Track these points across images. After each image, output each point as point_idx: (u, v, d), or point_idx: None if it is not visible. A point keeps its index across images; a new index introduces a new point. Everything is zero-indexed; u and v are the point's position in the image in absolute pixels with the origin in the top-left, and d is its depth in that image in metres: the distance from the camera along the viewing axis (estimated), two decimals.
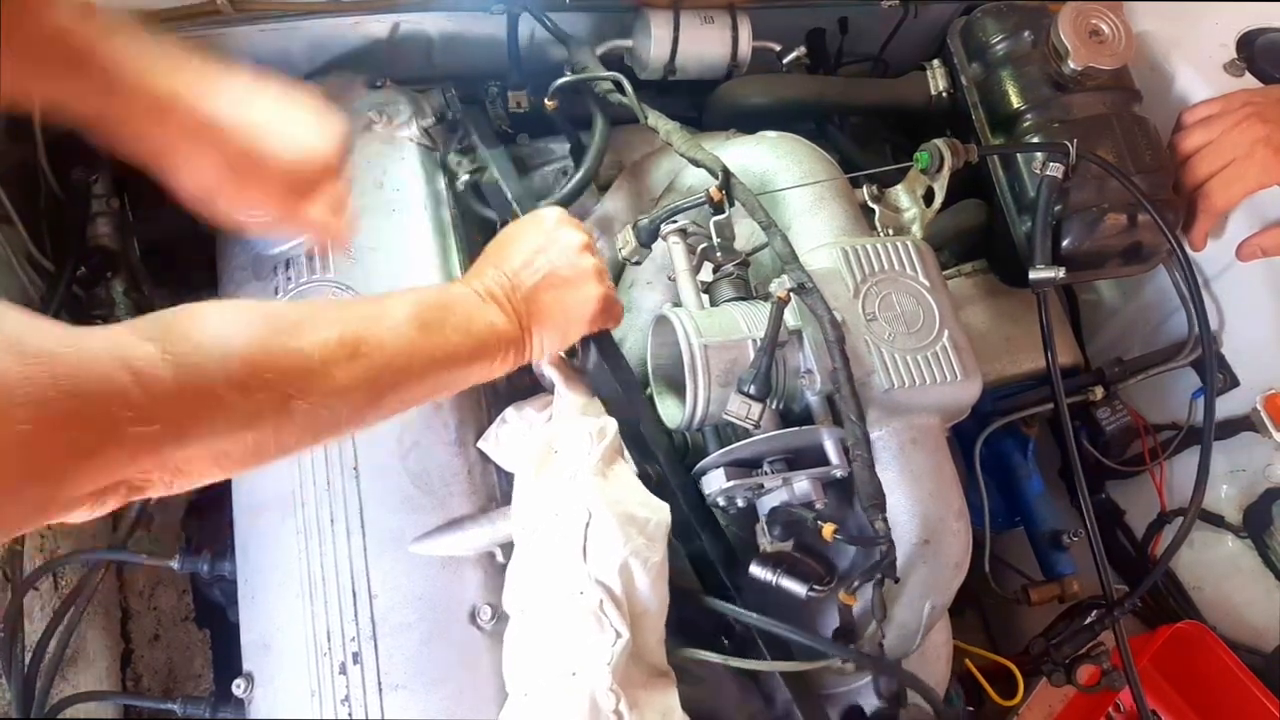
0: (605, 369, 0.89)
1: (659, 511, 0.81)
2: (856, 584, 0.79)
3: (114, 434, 0.53)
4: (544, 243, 0.87)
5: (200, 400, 0.58)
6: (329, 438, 0.72)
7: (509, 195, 0.99)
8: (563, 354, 0.91)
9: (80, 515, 0.58)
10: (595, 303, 0.87)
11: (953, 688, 1.02)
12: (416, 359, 0.74)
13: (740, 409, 0.80)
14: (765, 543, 0.82)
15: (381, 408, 0.73)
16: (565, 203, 1.09)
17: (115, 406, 0.53)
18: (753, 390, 0.80)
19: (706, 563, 0.84)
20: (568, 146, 1.23)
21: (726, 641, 0.87)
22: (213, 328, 0.61)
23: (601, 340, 0.90)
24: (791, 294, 0.85)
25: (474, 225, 1.14)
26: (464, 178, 1.08)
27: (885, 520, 0.79)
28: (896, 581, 0.83)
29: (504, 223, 0.98)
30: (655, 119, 1.04)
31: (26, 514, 0.54)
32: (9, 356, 0.49)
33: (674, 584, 0.81)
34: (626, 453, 0.87)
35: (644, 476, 0.84)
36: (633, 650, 0.75)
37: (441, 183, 1.09)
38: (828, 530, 0.77)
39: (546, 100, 1.08)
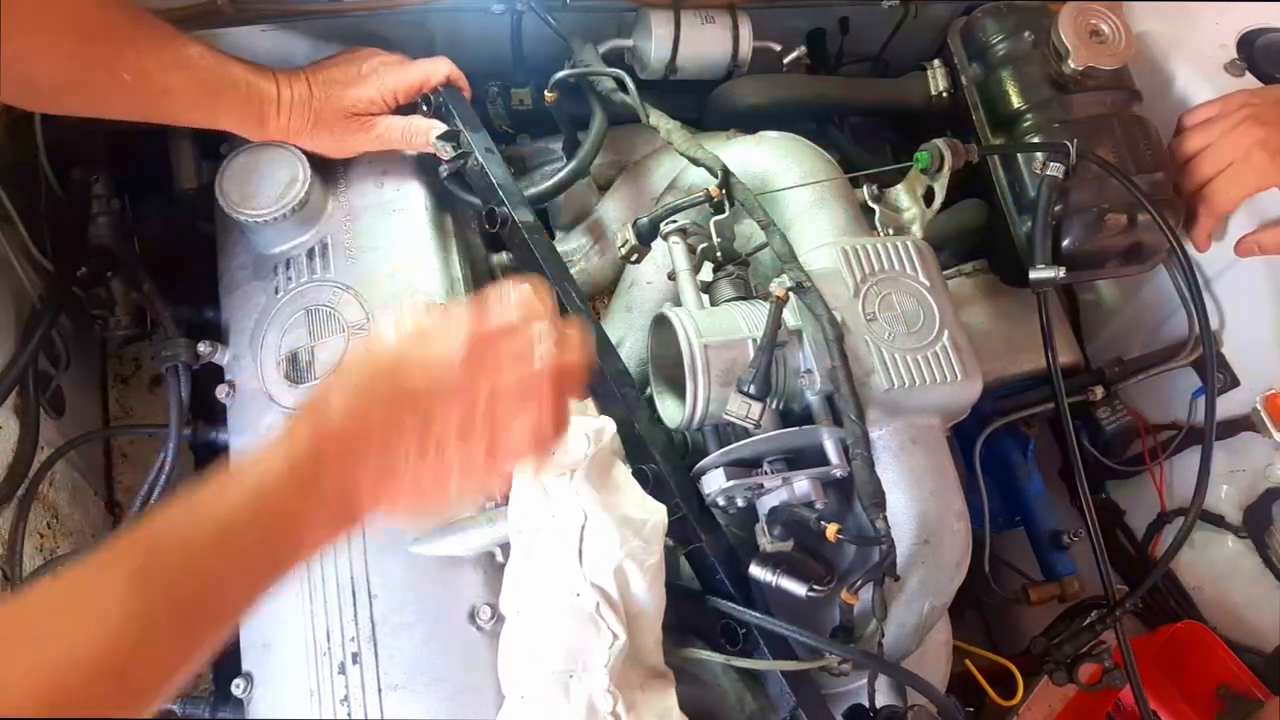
0: (602, 368, 0.88)
1: (655, 513, 0.79)
2: (858, 583, 0.79)
3: None
4: (420, 373, 0.60)
5: None
6: None
7: (493, 180, 0.97)
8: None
9: None
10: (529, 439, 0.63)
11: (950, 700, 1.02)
12: (166, 654, 0.53)
13: (740, 409, 0.80)
14: (765, 542, 0.82)
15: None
16: (554, 192, 1.09)
17: None
18: (752, 390, 0.80)
19: (706, 563, 0.84)
20: None
21: (728, 644, 0.86)
22: None
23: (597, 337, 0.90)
24: (790, 293, 0.85)
25: (474, 223, 1.14)
26: (443, 168, 1.02)
27: (886, 519, 0.79)
28: (897, 580, 0.83)
29: (490, 212, 0.97)
30: (656, 118, 1.04)
31: None
32: None
33: (674, 584, 0.81)
34: (623, 453, 0.87)
35: (642, 476, 0.84)
36: (630, 652, 0.75)
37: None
38: (831, 530, 0.77)
39: (546, 92, 1.08)
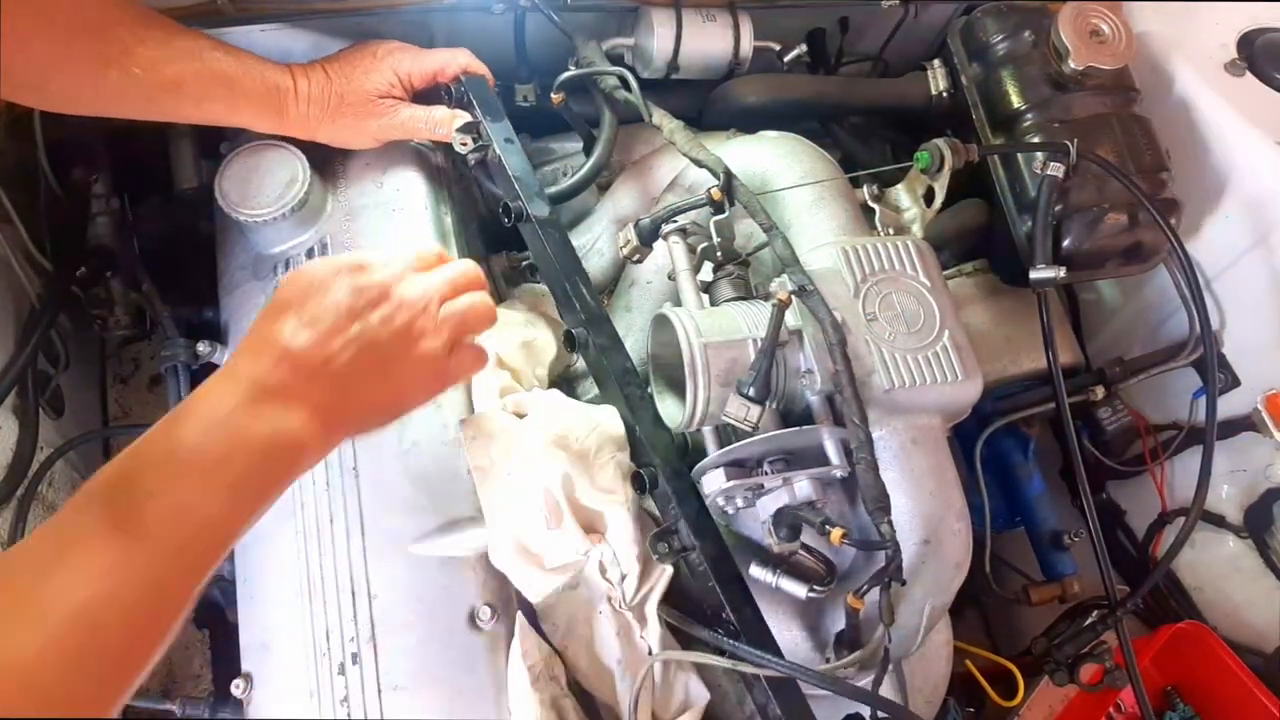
0: (604, 362, 0.88)
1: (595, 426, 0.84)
2: (865, 588, 0.79)
3: None
4: (353, 302, 0.66)
5: None
6: None
7: (509, 171, 0.96)
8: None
9: None
10: (427, 373, 0.70)
11: (950, 702, 1.02)
12: (172, 588, 0.56)
13: (739, 411, 0.80)
14: (772, 543, 0.82)
15: (145, 668, 0.55)
16: (575, 191, 1.08)
17: None
18: (751, 393, 0.80)
19: (698, 569, 0.82)
20: (568, 145, 1.23)
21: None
22: None
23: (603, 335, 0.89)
24: (793, 296, 0.85)
25: (473, 225, 1.14)
26: (469, 156, 1.00)
27: (890, 524, 0.79)
28: (903, 584, 0.83)
29: (504, 207, 0.96)
30: (660, 117, 1.03)
31: None
32: None
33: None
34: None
35: (641, 477, 0.84)
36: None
37: (442, 184, 1.09)
38: (836, 535, 0.77)
39: (552, 94, 1.08)
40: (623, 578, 0.83)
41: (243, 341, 0.65)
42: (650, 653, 0.84)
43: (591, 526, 0.85)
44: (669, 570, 0.84)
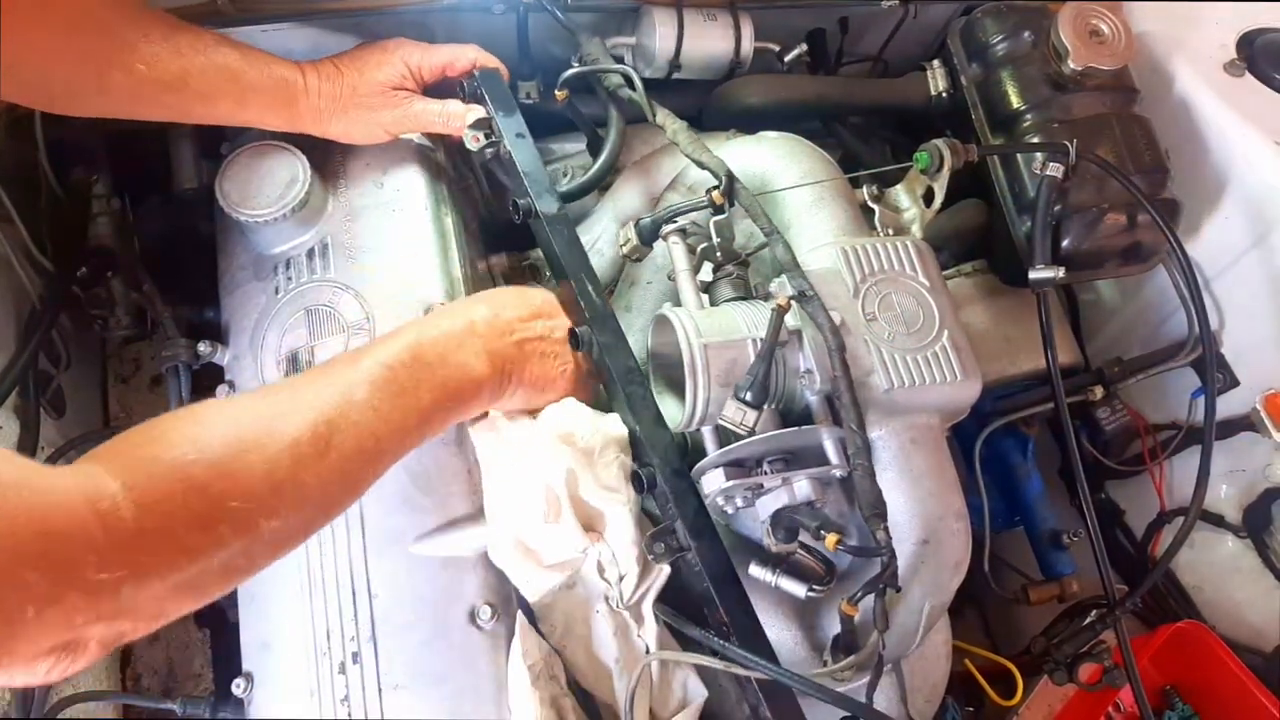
0: (606, 361, 0.88)
1: (599, 428, 0.87)
2: (859, 595, 0.79)
3: (74, 579, 0.51)
4: (547, 310, 0.89)
5: (162, 542, 0.55)
6: (304, 539, 0.69)
7: (519, 167, 0.96)
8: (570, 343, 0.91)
9: (30, 675, 0.53)
10: (572, 374, 0.89)
11: (949, 702, 1.02)
12: (388, 435, 0.71)
13: (735, 415, 0.80)
14: (770, 544, 0.82)
15: (355, 493, 0.72)
16: (586, 189, 1.08)
17: (79, 550, 0.51)
18: (749, 397, 0.79)
19: (694, 570, 0.82)
20: (568, 146, 1.23)
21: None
22: (175, 453, 0.58)
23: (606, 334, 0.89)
24: (792, 301, 0.85)
25: (474, 225, 1.15)
26: (484, 151, 1.01)
27: (886, 530, 0.79)
28: (899, 591, 0.83)
29: (513, 203, 0.96)
30: (663, 116, 1.03)
31: None
32: None
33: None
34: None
35: (640, 477, 0.84)
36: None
37: (443, 184, 1.09)
38: (831, 540, 0.77)
39: (556, 91, 1.08)
40: (621, 578, 0.83)
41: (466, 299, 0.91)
42: (648, 651, 0.84)
43: (591, 525, 0.85)
44: (666, 570, 0.84)
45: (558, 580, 0.85)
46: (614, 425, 0.87)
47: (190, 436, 0.60)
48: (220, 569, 0.59)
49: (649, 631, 0.84)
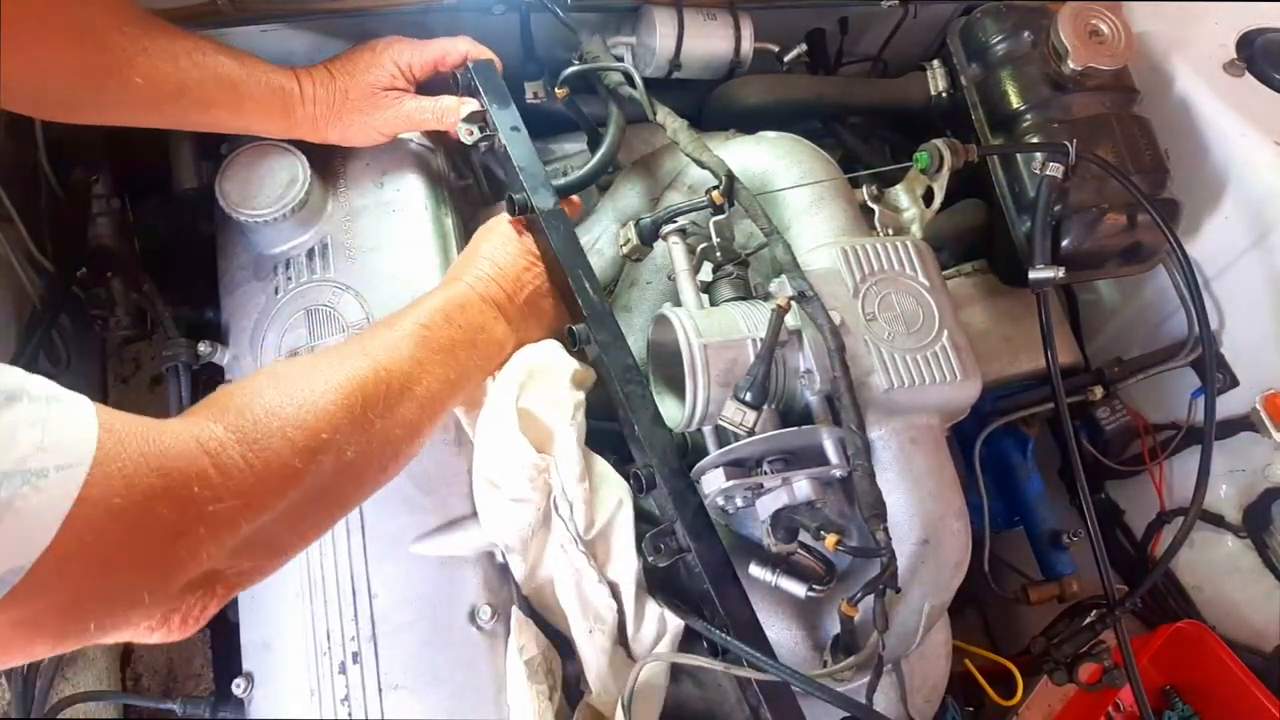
0: (605, 359, 0.88)
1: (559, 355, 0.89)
2: (859, 595, 0.79)
3: (196, 512, 0.56)
4: (531, 248, 0.92)
5: (268, 471, 0.62)
6: (376, 487, 0.76)
7: (513, 160, 0.95)
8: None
9: (173, 613, 0.61)
10: (553, 310, 0.94)
11: (949, 702, 1.02)
12: (438, 390, 0.78)
13: (735, 415, 0.80)
14: (770, 544, 0.82)
15: (415, 445, 0.77)
16: (583, 184, 1.07)
17: (195, 485, 0.57)
18: (749, 397, 0.79)
19: (694, 571, 0.82)
20: (568, 146, 1.23)
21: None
22: (267, 399, 0.66)
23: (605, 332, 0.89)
24: (792, 301, 0.85)
25: (473, 224, 1.14)
26: (478, 144, 1.00)
27: (886, 531, 0.79)
28: (898, 591, 0.83)
29: (509, 199, 0.95)
30: (664, 115, 1.03)
31: (120, 601, 0.55)
32: (103, 432, 0.52)
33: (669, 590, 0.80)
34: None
35: (638, 477, 0.84)
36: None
37: (442, 184, 1.09)
38: (830, 541, 0.77)
39: (556, 89, 1.08)
40: (570, 507, 0.84)
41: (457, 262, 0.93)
42: (617, 592, 0.85)
43: (542, 447, 0.85)
44: (627, 501, 0.85)
45: (528, 517, 0.84)
46: (573, 360, 0.89)
47: (274, 386, 0.67)
48: (319, 497, 0.67)
49: (618, 569, 0.84)
